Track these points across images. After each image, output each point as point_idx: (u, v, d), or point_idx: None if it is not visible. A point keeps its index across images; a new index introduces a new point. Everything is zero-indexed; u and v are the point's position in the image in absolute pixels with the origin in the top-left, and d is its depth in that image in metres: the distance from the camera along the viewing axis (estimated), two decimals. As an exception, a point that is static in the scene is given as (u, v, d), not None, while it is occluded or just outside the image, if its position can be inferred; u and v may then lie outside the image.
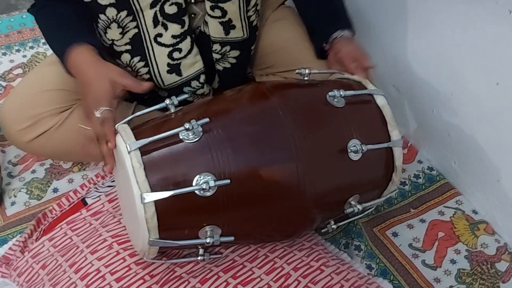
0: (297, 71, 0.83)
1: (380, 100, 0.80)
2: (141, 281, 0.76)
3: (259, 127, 0.73)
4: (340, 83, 0.84)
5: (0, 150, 1.08)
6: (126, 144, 0.67)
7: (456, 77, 0.98)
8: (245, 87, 0.82)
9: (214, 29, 0.92)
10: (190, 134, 0.69)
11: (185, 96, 0.75)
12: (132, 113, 0.75)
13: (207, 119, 0.70)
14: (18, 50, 1.33)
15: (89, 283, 0.76)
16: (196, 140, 0.69)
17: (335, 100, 0.77)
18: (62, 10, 0.86)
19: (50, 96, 0.94)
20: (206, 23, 0.93)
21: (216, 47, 0.94)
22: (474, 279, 0.91)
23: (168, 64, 0.92)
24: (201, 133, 0.69)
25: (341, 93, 0.77)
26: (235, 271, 0.78)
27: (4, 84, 1.23)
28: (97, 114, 0.75)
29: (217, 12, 0.89)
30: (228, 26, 0.91)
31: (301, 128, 0.73)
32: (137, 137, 0.68)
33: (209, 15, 0.90)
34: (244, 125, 0.73)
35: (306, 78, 0.83)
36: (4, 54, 1.31)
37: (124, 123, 0.72)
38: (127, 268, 0.77)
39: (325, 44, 0.93)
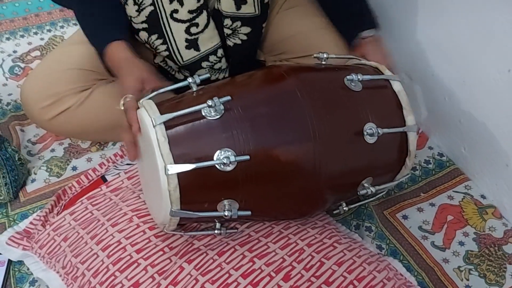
0: (315, 55, 0.84)
1: (397, 86, 0.82)
2: (161, 252, 0.78)
3: (277, 107, 0.74)
4: (358, 68, 0.85)
5: (19, 129, 1.11)
6: (152, 118, 0.69)
7: (468, 64, 0.99)
8: (263, 69, 0.84)
9: (226, 3, 0.93)
10: (212, 111, 0.71)
11: (207, 75, 0.76)
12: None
13: (229, 97, 0.71)
14: (35, 33, 1.35)
15: (110, 254, 0.79)
16: (218, 117, 0.71)
17: (353, 84, 0.78)
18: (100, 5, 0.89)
19: (72, 75, 0.97)
20: (219, 0, 0.94)
21: (227, 22, 0.95)
22: (481, 260, 0.93)
23: (186, 40, 0.93)
24: (223, 111, 0.71)
25: (359, 77, 0.78)
26: (251, 245, 0.80)
27: (22, 65, 1.25)
28: (122, 101, 0.77)
29: None
30: (239, 0, 0.92)
31: (319, 109, 0.75)
32: (161, 112, 0.70)
33: None
34: (263, 105, 0.75)
35: (324, 63, 0.84)
36: (22, 36, 1.34)
37: (148, 99, 0.74)
38: (147, 240, 0.80)
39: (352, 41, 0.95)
